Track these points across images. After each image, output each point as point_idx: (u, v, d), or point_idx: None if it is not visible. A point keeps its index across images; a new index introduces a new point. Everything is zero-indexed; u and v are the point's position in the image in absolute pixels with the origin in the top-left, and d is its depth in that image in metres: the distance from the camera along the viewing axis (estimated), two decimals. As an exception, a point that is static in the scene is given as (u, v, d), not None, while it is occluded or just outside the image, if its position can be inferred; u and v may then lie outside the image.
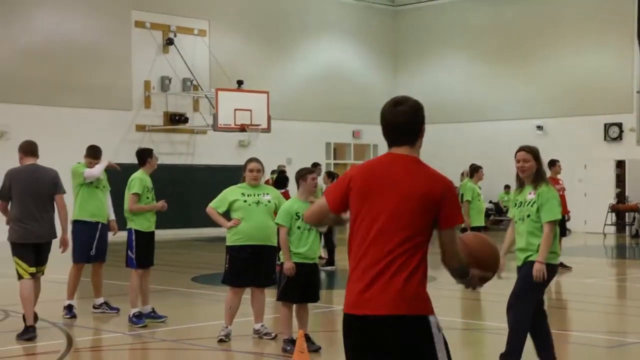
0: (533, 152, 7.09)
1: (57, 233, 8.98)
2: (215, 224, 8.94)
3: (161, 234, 10.04)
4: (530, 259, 6.93)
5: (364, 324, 3.86)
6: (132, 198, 9.49)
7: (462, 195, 13.56)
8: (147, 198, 9.60)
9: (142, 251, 9.58)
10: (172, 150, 25.39)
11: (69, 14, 23.73)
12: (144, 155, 9.82)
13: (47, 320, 9.93)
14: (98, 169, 10.15)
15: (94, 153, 10.37)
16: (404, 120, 3.94)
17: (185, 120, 25.74)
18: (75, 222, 10.12)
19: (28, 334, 8.67)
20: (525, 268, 6.95)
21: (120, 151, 24.09)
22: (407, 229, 3.81)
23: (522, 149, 7.14)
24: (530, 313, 6.99)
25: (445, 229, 3.86)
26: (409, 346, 3.77)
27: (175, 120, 25.61)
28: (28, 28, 22.97)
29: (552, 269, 7.02)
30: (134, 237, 9.55)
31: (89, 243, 10.08)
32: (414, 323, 3.77)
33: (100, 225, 10.15)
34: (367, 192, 3.90)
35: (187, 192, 23.93)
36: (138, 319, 9.45)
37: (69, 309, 10.02)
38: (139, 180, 9.55)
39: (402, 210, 3.83)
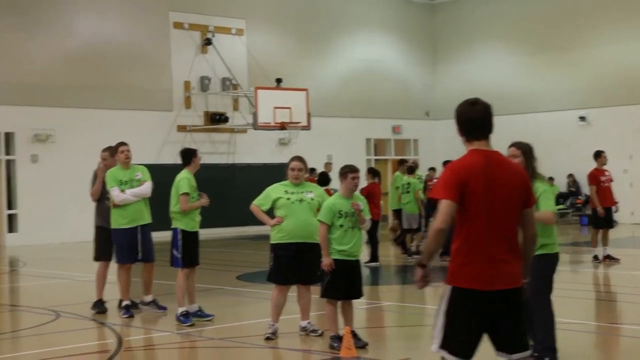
0: (523, 148, 7.14)
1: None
2: (258, 222, 9.03)
3: (204, 233, 10.15)
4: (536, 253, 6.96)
5: (495, 297, 4.57)
6: (183, 198, 9.59)
7: None
8: (193, 198, 9.73)
9: (188, 251, 9.69)
10: (213, 150, 25.60)
11: (110, 18, 24.03)
12: (189, 155, 9.93)
13: (97, 320, 10.13)
14: (129, 195, 10.13)
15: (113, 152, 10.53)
16: (482, 117, 4.73)
17: (226, 119, 25.94)
18: (115, 230, 10.25)
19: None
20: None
21: (163, 152, 24.39)
22: (517, 211, 4.67)
23: (513, 144, 7.22)
24: (548, 304, 7.07)
25: (531, 207, 4.78)
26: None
27: (216, 119, 25.81)
28: (71, 33, 23.33)
29: (554, 258, 7.11)
30: (180, 237, 9.66)
31: (131, 246, 10.21)
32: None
33: (140, 228, 10.26)
34: (476, 186, 4.56)
35: (229, 191, 24.13)
36: (185, 317, 9.57)
37: (126, 308, 10.18)
38: (187, 180, 9.68)
39: (514, 195, 4.64)
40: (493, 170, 4.62)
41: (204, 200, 9.77)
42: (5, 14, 22.23)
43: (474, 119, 4.72)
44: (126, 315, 10.12)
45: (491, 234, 4.57)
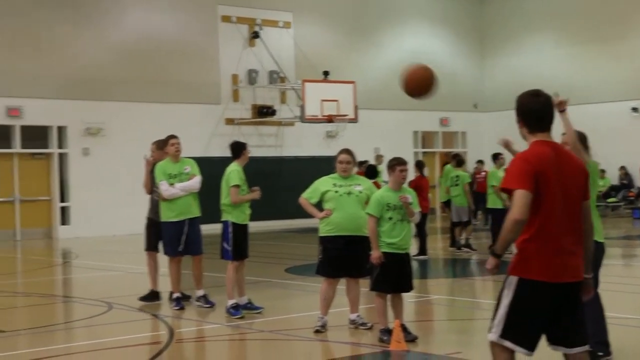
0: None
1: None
2: (306, 215, 9.05)
3: (252, 226, 10.18)
4: None
5: (560, 290, 4.56)
6: (234, 190, 9.64)
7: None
8: (243, 190, 9.78)
9: (238, 243, 9.74)
10: (260, 143, 25.70)
11: (158, 12, 24.26)
12: (239, 148, 9.97)
13: (148, 312, 10.25)
14: (178, 189, 10.21)
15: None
16: (545, 108, 4.74)
17: (273, 112, 26.02)
18: (163, 223, 10.33)
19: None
20: None
21: (211, 145, 24.57)
22: (580, 202, 4.68)
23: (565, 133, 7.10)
24: (596, 297, 6.96)
25: (588, 200, 4.77)
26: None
27: (263, 112, 25.90)
28: (121, 28, 23.60)
29: (600, 248, 7.00)
30: (230, 230, 9.71)
31: (179, 239, 10.28)
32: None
33: (188, 222, 10.30)
34: (550, 176, 4.57)
35: (277, 183, 24.21)
36: (235, 310, 9.63)
37: (177, 300, 10.26)
38: (237, 172, 9.72)
39: (578, 187, 4.67)
40: (560, 161, 4.62)
41: (256, 194, 9.81)
42: (57, 9, 22.56)
43: (538, 110, 4.71)
44: (177, 308, 10.21)
45: (561, 225, 4.55)
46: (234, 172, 9.72)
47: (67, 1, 22.70)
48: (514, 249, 4.67)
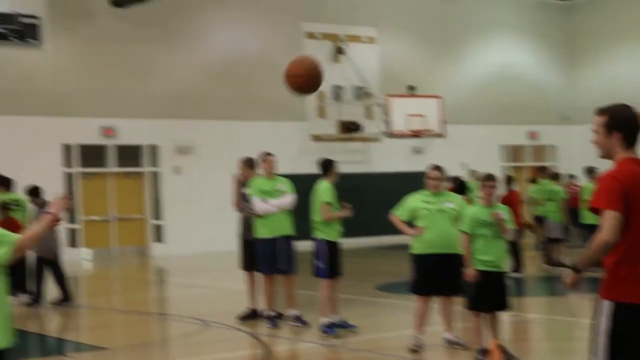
0: None
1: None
2: (395, 231, 9.04)
3: (341, 243, 10.17)
4: None
5: None
6: (325, 207, 9.69)
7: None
8: (333, 207, 9.81)
9: (332, 261, 9.76)
10: (347, 159, 25.71)
11: (244, 31, 24.62)
12: (328, 165, 10.01)
13: (245, 330, 10.36)
14: (271, 206, 10.32)
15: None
16: (638, 123, 4.53)
17: (359, 128, 26.06)
18: (257, 240, 10.43)
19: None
20: None
21: (298, 162, 24.71)
22: None
23: None
24: None
25: None
26: None
27: (349, 128, 25.97)
28: (207, 48, 24.05)
29: None
30: (325, 247, 9.74)
31: (273, 257, 10.35)
32: None
33: (281, 240, 10.34)
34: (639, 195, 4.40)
35: (364, 200, 24.17)
36: (330, 328, 9.64)
37: (272, 319, 10.31)
38: (327, 189, 9.77)
39: None
40: None
41: (347, 211, 9.84)
42: (146, 29, 23.14)
43: (636, 125, 4.52)
44: (271, 326, 10.29)
45: None
46: (324, 189, 9.76)
47: (156, 24, 23.26)
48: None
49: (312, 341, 9.56)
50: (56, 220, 5.08)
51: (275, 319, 10.37)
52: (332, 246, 9.79)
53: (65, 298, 12.85)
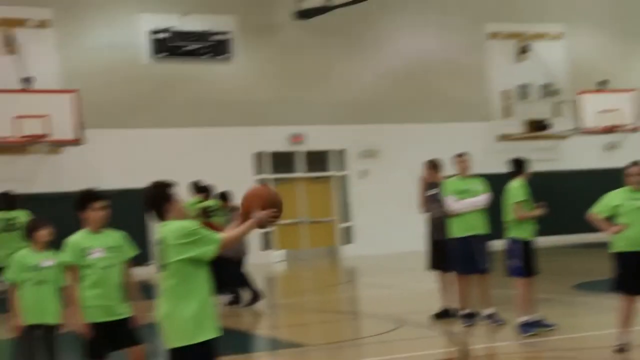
0: None
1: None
2: (591, 229, 8.70)
3: (536, 241, 9.89)
4: None
5: None
6: (518, 206, 9.50)
7: None
8: (527, 206, 9.58)
9: (529, 259, 9.55)
10: (535, 158, 25.01)
11: (426, 34, 24.55)
12: (521, 163, 9.81)
13: (439, 329, 10.30)
14: (465, 205, 10.19)
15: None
16: None
17: (547, 126, 25.32)
18: (450, 240, 10.35)
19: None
20: None
21: (484, 162, 24.30)
22: None
23: None
24: None
25: None
26: None
27: (537, 127, 25.30)
28: (390, 53, 24.16)
29: None
30: (520, 246, 9.54)
31: (466, 256, 10.21)
32: None
33: (475, 238, 10.22)
34: None
35: (556, 198, 23.41)
36: (528, 327, 9.42)
37: (467, 317, 10.21)
38: (521, 188, 9.56)
39: None
40: None
41: (541, 210, 9.58)
42: (330, 38, 23.55)
43: None
44: (467, 324, 10.16)
45: None
46: (518, 188, 9.56)
47: (339, 33, 23.61)
48: None
49: (510, 340, 9.38)
50: (259, 227, 5.24)
51: (471, 318, 10.23)
52: (526, 245, 9.57)
53: (256, 297, 13.16)
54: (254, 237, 20.94)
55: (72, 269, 6.44)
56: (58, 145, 19.81)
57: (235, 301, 13.23)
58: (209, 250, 5.21)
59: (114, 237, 6.58)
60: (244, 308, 13.01)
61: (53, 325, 7.16)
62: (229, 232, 5.36)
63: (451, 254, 10.39)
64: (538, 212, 9.59)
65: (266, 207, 5.31)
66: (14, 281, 7.06)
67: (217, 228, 13.16)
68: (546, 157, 25.24)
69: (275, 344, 10.28)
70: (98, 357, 6.46)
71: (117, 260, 6.49)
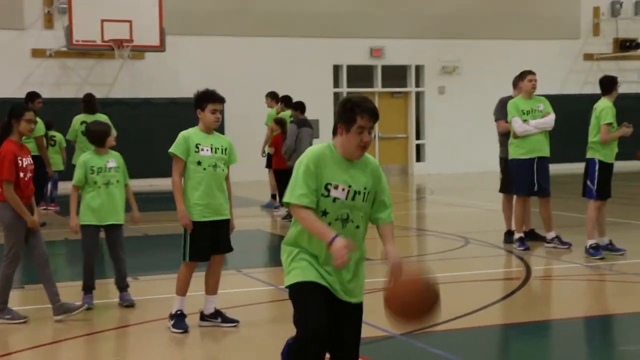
0: None
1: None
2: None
3: (615, 165, 9.60)
4: None
5: None
6: (605, 128, 9.21)
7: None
8: (613, 127, 9.28)
9: (603, 182, 9.32)
10: (622, 79, 24.19)
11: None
12: (611, 82, 9.46)
13: (505, 249, 10.21)
14: (531, 127, 9.88)
15: None
16: None
17: (637, 46, 24.35)
18: (512, 161, 10.12)
19: None
20: None
21: (567, 82, 23.70)
22: None
23: None
24: None
25: None
26: None
27: (626, 46, 24.35)
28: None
29: None
30: (596, 168, 9.31)
31: (526, 177, 10.00)
32: None
33: (537, 160, 9.97)
34: None
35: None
36: (595, 250, 9.28)
37: (521, 240, 10.07)
38: (610, 109, 9.25)
39: None
40: None
41: (627, 129, 9.27)
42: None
43: None
44: (521, 248, 9.99)
45: None
46: (606, 109, 9.24)
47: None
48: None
49: (576, 262, 9.26)
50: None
51: (525, 241, 10.05)
52: (605, 167, 9.35)
53: None
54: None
55: (178, 163, 6.40)
56: (140, 51, 20.00)
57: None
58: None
59: (223, 140, 6.60)
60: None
61: (120, 224, 7.37)
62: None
63: (513, 175, 10.17)
64: (623, 131, 9.28)
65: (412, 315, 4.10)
66: (80, 183, 7.24)
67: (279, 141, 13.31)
68: (635, 79, 24.38)
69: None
70: (202, 258, 6.50)
71: (223, 162, 6.50)
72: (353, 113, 4.09)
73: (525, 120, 9.95)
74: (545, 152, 10.06)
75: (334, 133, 4.17)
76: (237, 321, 6.63)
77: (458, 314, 6.69)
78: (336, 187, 4.09)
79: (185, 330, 6.42)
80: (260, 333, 6.55)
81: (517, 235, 10.17)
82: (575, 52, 24.27)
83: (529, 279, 8.41)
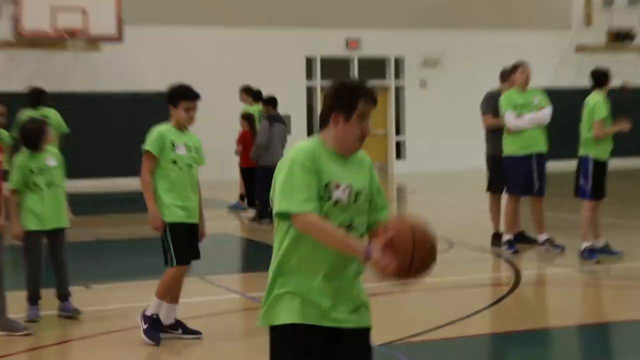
0: None
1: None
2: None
3: (610, 163, 9.57)
4: None
5: None
6: (599, 124, 9.16)
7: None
8: (607, 123, 9.23)
9: (597, 181, 9.26)
10: (617, 72, 24.27)
11: None
12: (603, 76, 9.43)
13: (492, 253, 10.14)
14: (525, 121, 9.82)
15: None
16: None
17: (632, 37, 24.49)
18: (506, 158, 10.03)
19: None
20: None
21: (558, 75, 23.76)
22: None
23: None
24: None
25: None
26: None
27: (620, 38, 24.48)
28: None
29: None
30: (590, 166, 9.26)
31: (524, 176, 9.91)
32: None
33: (535, 158, 9.90)
34: None
35: (637, 117, 22.83)
36: (590, 253, 9.22)
37: (510, 243, 9.98)
38: (603, 103, 9.20)
39: None
40: None
41: (623, 125, 9.26)
42: None
43: None
44: (510, 251, 9.91)
45: None
46: (599, 104, 9.20)
47: None
48: None
49: (569, 266, 9.22)
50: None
51: (514, 244, 9.97)
52: (599, 165, 9.30)
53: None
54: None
55: (151, 161, 6.31)
56: (96, 42, 19.78)
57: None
58: None
59: (194, 139, 6.53)
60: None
61: (63, 228, 7.18)
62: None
63: (506, 173, 10.09)
64: (619, 127, 9.26)
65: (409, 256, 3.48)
66: (18, 187, 7.03)
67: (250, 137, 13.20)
68: (629, 72, 24.48)
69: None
70: (189, 261, 6.40)
71: (196, 163, 6.46)
72: (354, 97, 3.63)
73: (519, 115, 9.88)
74: (542, 147, 9.99)
75: (323, 125, 3.69)
76: (199, 333, 6.49)
77: (441, 323, 6.60)
78: (337, 187, 3.59)
79: (157, 342, 6.26)
80: (226, 346, 6.41)
81: (506, 238, 10.09)
82: (567, 44, 24.34)
83: (519, 284, 8.34)
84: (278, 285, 3.58)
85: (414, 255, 3.46)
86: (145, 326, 6.33)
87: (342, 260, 3.56)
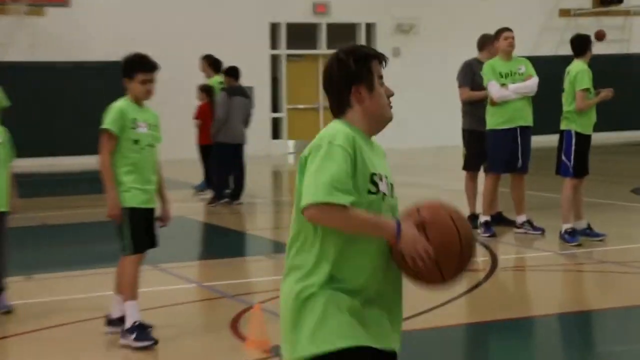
0: None
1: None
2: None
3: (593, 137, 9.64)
4: None
5: None
6: (581, 95, 9.18)
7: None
8: (590, 94, 9.27)
9: (580, 157, 9.32)
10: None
11: None
12: (584, 42, 9.45)
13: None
14: (511, 92, 9.84)
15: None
16: None
17: (620, 0, 24.68)
18: (490, 132, 10.04)
19: None
20: None
21: (541, 41, 23.82)
22: None
23: None
24: None
25: None
26: None
27: (607, 1, 24.65)
28: None
29: None
30: (573, 141, 9.29)
31: (507, 150, 9.92)
32: None
33: (520, 131, 9.92)
34: None
35: (623, 86, 22.94)
36: (571, 236, 9.27)
37: (486, 225, 10.01)
38: (586, 72, 9.23)
39: None
40: None
41: (607, 94, 9.31)
42: None
43: None
44: (487, 234, 9.92)
45: None
46: (582, 73, 9.20)
47: None
48: None
49: (549, 250, 9.28)
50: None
51: (491, 226, 10.00)
52: (582, 140, 9.34)
53: (236, 194, 13.13)
54: (260, 124, 20.82)
55: (111, 141, 6.18)
56: (40, 6, 19.57)
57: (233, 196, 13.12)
58: None
59: (154, 115, 6.45)
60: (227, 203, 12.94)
61: (5, 212, 7.08)
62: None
63: (489, 148, 10.09)
64: (602, 96, 9.30)
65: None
66: None
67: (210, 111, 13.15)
68: (614, 37, 24.63)
69: (278, 247, 10.22)
70: (145, 248, 6.35)
71: (156, 141, 6.38)
72: (366, 61, 3.40)
73: (503, 85, 9.87)
74: (528, 120, 9.99)
75: (341, 111, 3.40)
76: (150, 326, 6.45)
77: (412, 313, 6.61)
78: (381, 179, 3.28)
79: (154, 341, 6.17)
80: (181, 339, 6.39)
81: (482, 219, 10.10)
82: (550, 7, 24.42)
83: (495, 269, 8.39)
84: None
85: (461, 253, 3.18)
86: (132, 337, 6.18)
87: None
